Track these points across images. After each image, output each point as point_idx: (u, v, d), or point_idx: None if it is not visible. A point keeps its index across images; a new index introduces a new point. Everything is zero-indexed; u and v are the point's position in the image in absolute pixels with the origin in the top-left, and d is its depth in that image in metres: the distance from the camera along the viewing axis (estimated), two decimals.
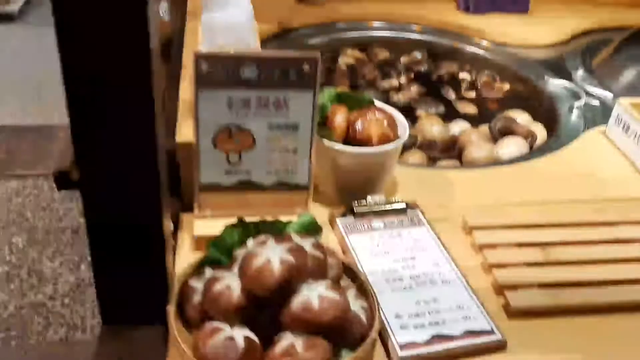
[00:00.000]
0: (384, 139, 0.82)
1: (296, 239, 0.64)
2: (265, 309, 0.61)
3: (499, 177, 0.95)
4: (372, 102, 0.87)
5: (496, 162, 1.05)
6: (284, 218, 0.70)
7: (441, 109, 1.27)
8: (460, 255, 0.76)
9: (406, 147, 1.10)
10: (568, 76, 1.30)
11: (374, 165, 0.83)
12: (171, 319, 0.62)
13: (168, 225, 0.65)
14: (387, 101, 1.28)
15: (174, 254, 0.74)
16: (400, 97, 1.30)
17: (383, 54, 1.45)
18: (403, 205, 0.82)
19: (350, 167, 0.83)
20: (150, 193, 0.58)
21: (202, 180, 0.73)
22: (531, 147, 1.11)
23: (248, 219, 0.69)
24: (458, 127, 1.17)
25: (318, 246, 0.67)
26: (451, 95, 1.32)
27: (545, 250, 0.76)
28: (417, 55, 1.44)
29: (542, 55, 1.40)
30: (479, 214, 0.83)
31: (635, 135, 0.99)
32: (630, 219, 0.83)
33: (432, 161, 1.09)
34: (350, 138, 0.83)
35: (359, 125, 0.83)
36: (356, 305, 0.63)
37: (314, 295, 0.60)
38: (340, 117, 0.83)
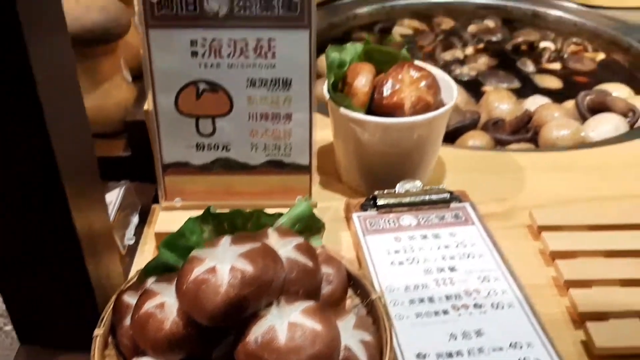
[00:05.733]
0: (421, 107, 0.61)
1: (272, 237, 0.45)
2: (217, 339, 0.42)
3: (586, 163, 0.71)
4: (409, 59, 0.66)
5: (585, 143, 0.81)
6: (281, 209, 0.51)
7: (515, 83, 1.03)
8: (523, 266, 0.53)
9: (466, 128, 0.88)
10: None
11: (408, 142, 0.62)
12: (94, 348, 0.44)
13: (102, 220, 0.47)
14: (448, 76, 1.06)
15: (125, 257, 0.56)
16: (464, 71, 1.07)
17: (447, 23, 1.22)
18: (446, 196, 0.60)
19: (376, 144, 0.62)
20: (48, 176, 0.40)
21: (165, 158, 0.55)
22: (632, 127, 0.85)
23: (224, 210, 0.50)
24: (535, 103, 0.93)
25: (306, 249, 0.47)
26: (529, 67, 1.07)
27: None
28: (489, 23, 1.20)
29: None
30: (554, 210, 0.60)
31: None
32: None
33: (499, 145, 0.86)
34: (376, 105, 0.62)
35: (386, 88, 0.62)
36: (353, 339, 0.42)
37: (281, 324, 0.40)
38: (362, 78, 0.62)
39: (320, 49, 1.08)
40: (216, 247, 0.41)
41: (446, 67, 1.09)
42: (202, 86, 0.52)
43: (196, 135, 0.54)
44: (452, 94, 0.64)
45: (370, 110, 0.62)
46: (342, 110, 0.61)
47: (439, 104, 0.63)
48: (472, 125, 0.88)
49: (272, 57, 0.51)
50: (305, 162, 0.55)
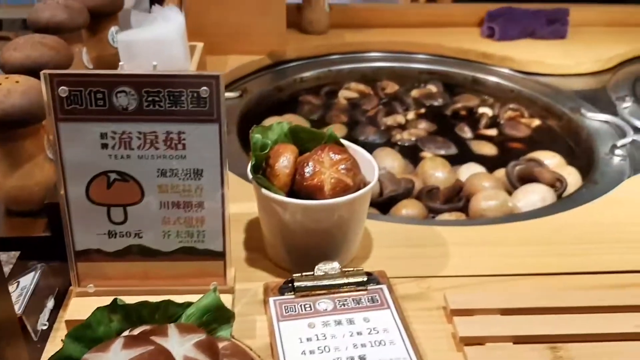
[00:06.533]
0: (340, 188, 0.62)
1: (172, 333, 0.45)
2: None
3: (510, 237, 0.72)
4: (336, 139, 0.67)
5: (511, 215, 0.83)
6: (193, 295, 0.51)
7: (452, 150, 1.05)
8: (434, 352, 0.54)
9: (401, 196, 0.89)
10: (612, 109, 1.07)
11: (329, 222, 0.63)
12: None
13: (4, 309, 0.46)
14: (389, 141, 1.09)
15: (38, 343, 0.55)
16: (404, 136, 1.09)
17: (392, 87, 1.26)
18: (363, 278, 0.61)
19: (297, 224, 0.63)
20: None
21: (77, 245, 0.55)
22: (559, 197, 0.88)
23: (137, 298, 0.50)
24: (469, 171, 0.95)
25: (206, 346, 0.47)
26: (467, 133, 1.10)
27: (555, 350, 0.53)
28: (432, 87, 1.24)
29: (581, 85, 1.17)
30: (468, 291, 0.61)
31: None
32: None
33: (432, 213, 0.88)
34: (297, 186, 0.63)
35: (307, 170, 0.63)
36: None
37: None
38: (284, 160, 0.63)
39: (266, 113, 1.11)
40: (107, 351, 0.41)
41: (388, 131, 1.11)
42: (112, 176, 0.52)
43: (108, 223, 0.54)
44: (374, 173, 0.65)
45: (292, 190, 0.63)
46: (264, 190, 0.62)
47: (360, 184, 0.64)
48: (406, 194, 0.90)
49: (182, 148, 0.52)
50: (219, 249, 0.56)
